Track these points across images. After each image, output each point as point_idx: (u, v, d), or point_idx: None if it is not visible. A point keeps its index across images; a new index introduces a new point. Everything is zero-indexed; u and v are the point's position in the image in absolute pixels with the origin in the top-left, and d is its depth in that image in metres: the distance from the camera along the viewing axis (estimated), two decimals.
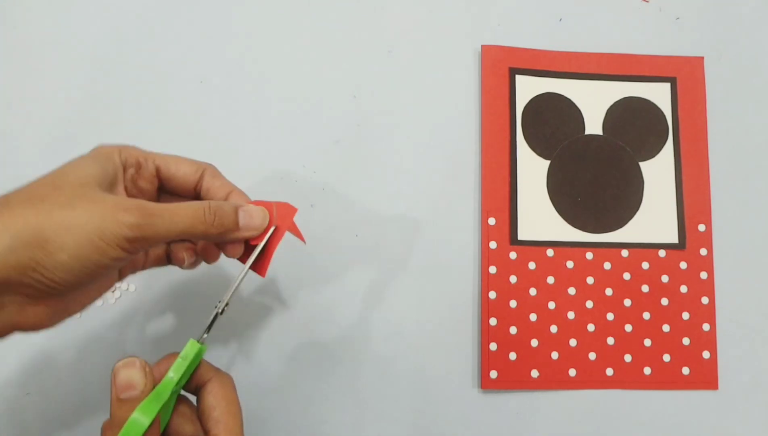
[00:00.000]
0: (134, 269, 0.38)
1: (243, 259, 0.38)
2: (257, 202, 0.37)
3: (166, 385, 0.32)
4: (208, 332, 0.35)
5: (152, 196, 0.38)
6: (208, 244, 0.38)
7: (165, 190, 0.39)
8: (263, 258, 0.37)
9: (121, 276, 0.37)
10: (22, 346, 0.46)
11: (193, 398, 0.35)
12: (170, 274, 0.48)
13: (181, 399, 0.34)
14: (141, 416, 0.30)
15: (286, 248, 0.49)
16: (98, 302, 0.47)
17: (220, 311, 0.36)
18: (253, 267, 0.37)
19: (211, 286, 0.48)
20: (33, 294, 0.30)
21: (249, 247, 0.37)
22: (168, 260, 0.40)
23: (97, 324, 0.47)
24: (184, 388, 0.34)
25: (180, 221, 0.33)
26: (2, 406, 0.45)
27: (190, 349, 0.33)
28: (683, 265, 0.50)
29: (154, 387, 0.32)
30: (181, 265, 0.38)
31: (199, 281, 0.48)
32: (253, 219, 0.36)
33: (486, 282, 0.49)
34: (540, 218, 0.50)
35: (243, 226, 0.36)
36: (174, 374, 0.33)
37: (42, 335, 0.46)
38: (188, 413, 0.34)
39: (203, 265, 0.44)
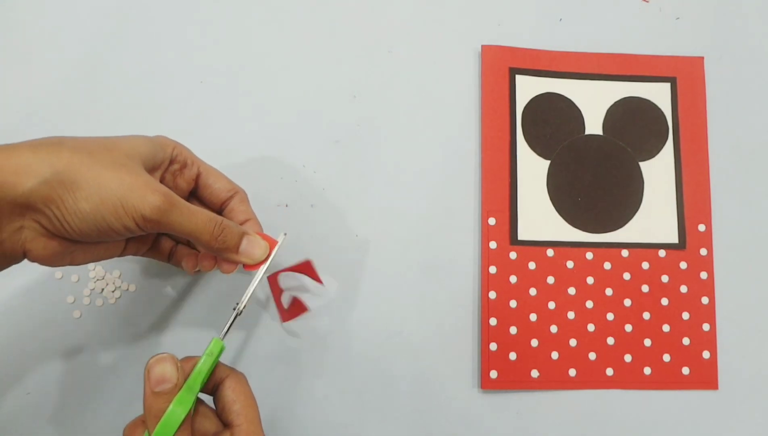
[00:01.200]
0: (137, 251, 0.41)
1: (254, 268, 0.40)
2: (267, 237, 0.40)
3: (197, 378, 0.34)
4: (227, 332, 0.37)
5: (183, 195, 0.41)
6: (208, 254, 0.41)
7: (195, 195, 0.42)
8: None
9: (124, 251, 0.40)
10: (22, 346, 0.46)
11: (207, 399, 0.37)
12: (170, 274, 0.48)
13: (197, 399, 0.36)
14: (178, 408, 0.32)
15: (286, 247, 0.49)
16: (98, 302, 0.47)
17: (239, 311, 0.39)
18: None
19: (210, 286, 0.48)
20: (47, 227, 0.33)
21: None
22: (169, 259, 0.43)
23: (97, 324, 0.47)
24: (201, 388, 0.35)
25: (193, 222, 0.36)
26: (2, 406, 0.45)
27: (214, 346, 0.35)
28: (683, 265, 0.50)
29: (185, 381, 0.34)
30: (187, 269, 0.42)
31: (198, 281, 0.48)
32: (253, 249, 0.39)
33: (486, 282, 0.49)
34: (540, 218, 0.50)
35: (242, 251, 0.39)
36: (203, 368, 0.35)
37: (42, 334, 0.46)
38: (206, 411, 0.36)
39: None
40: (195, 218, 0.36)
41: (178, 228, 0.35)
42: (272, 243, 0.40)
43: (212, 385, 0.36)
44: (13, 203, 0.32)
